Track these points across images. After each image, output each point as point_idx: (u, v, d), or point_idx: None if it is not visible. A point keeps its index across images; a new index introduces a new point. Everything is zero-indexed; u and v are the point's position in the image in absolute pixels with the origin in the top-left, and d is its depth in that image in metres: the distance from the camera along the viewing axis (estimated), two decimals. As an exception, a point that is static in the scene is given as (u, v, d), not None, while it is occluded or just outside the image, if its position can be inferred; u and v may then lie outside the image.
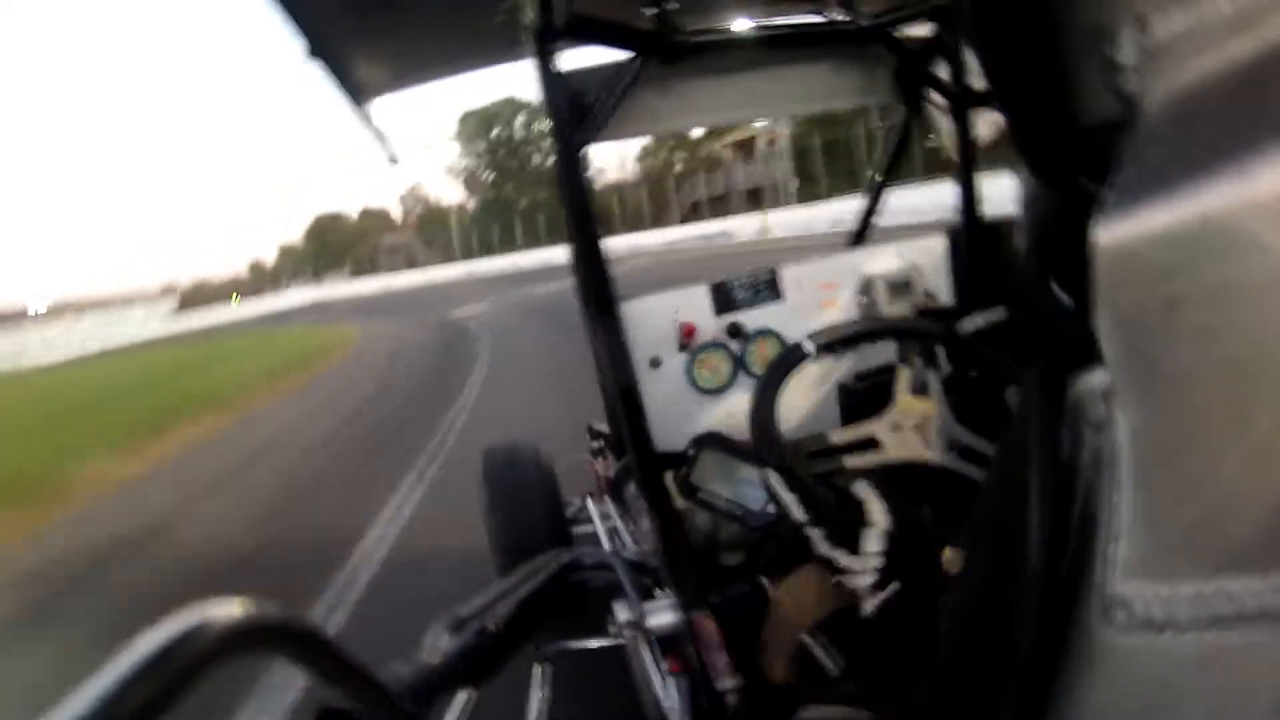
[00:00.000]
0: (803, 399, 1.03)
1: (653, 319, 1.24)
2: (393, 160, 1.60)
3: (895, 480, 0.90)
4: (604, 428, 1.98)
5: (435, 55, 1.41)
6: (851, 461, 0.93)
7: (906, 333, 1.01)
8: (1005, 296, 1.28)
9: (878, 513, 0.78)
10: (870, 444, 0.93)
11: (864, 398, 1.13)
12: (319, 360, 9.64)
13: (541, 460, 1.87)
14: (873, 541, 0.78)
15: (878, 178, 1.54)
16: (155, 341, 23.83)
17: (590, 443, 2.09)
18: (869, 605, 0.75)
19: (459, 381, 5.99)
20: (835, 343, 1.01)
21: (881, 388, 1.01)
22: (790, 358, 1.00)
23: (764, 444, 0.90)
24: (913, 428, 0.92)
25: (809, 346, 0.98)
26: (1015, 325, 1.05)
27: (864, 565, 0.77)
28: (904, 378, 0.96)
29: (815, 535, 0.82)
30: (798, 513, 0.84)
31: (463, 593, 0.82)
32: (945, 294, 1.36)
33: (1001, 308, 0.92)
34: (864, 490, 0.81)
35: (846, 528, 0.79)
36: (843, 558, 0.79)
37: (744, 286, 1.29)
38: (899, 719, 0.67)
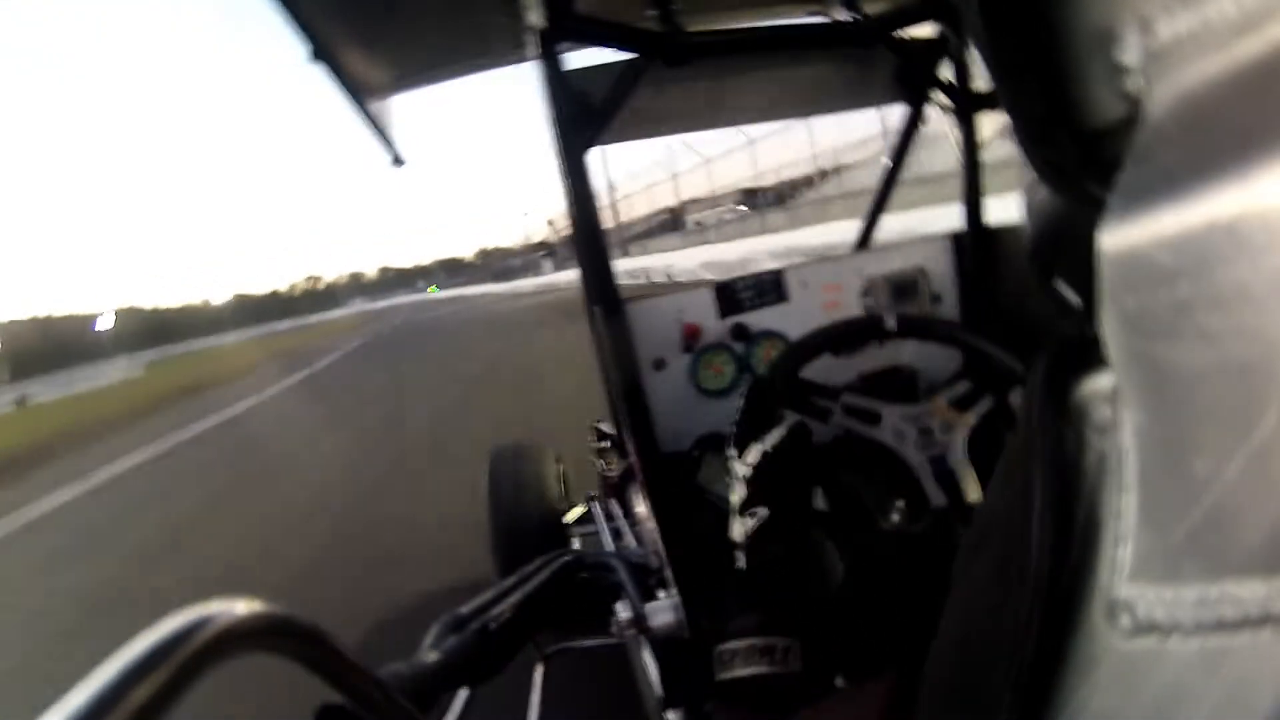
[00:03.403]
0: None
1: (657, 320, 1.24)
2: (397, 161, 1.60)
3: (892, 469, 0.92)
4: (608, 428, 1.99)
5: (439, 57, 1.41)
6: (841, 420, 0.96)
7: (986, 357, 1.01)
8: (1009, 299, 1.27)
9: (771, 435, 0.85)
10: (871, 416, 0.95)
11: (874, 388, 1.13)
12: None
13: (546, 460, 1.87)
14: (753, 454, 0.84)
15: (883, 181, 1.54)
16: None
17: (594, 443, 2.09)
18: (738, 529, 0.82)
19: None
20: (915, 329, 1.05)
21: (882, 392, 1.01)
22: (867, 323, 1.04)
23: (777, 369, 0.97)
24: (918, 427, 0.92)
25: (891, 322, 1.02)
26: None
27: (739, 471, 0.84)
28: (956, 387, 0.97)
29: (732, 435, 0.91)
30: (735, 415, 0.94)
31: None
32: (950, 297, 1.35)
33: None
34: (787, 420, 0.87)
35: (750, 439, 0.87)
36: (734, 459, 0.87)
37: (749, 288, 1.29)
38: (805, 643, 0.73)
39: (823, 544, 0.83)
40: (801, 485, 0.87)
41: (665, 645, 0.94)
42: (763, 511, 0.80)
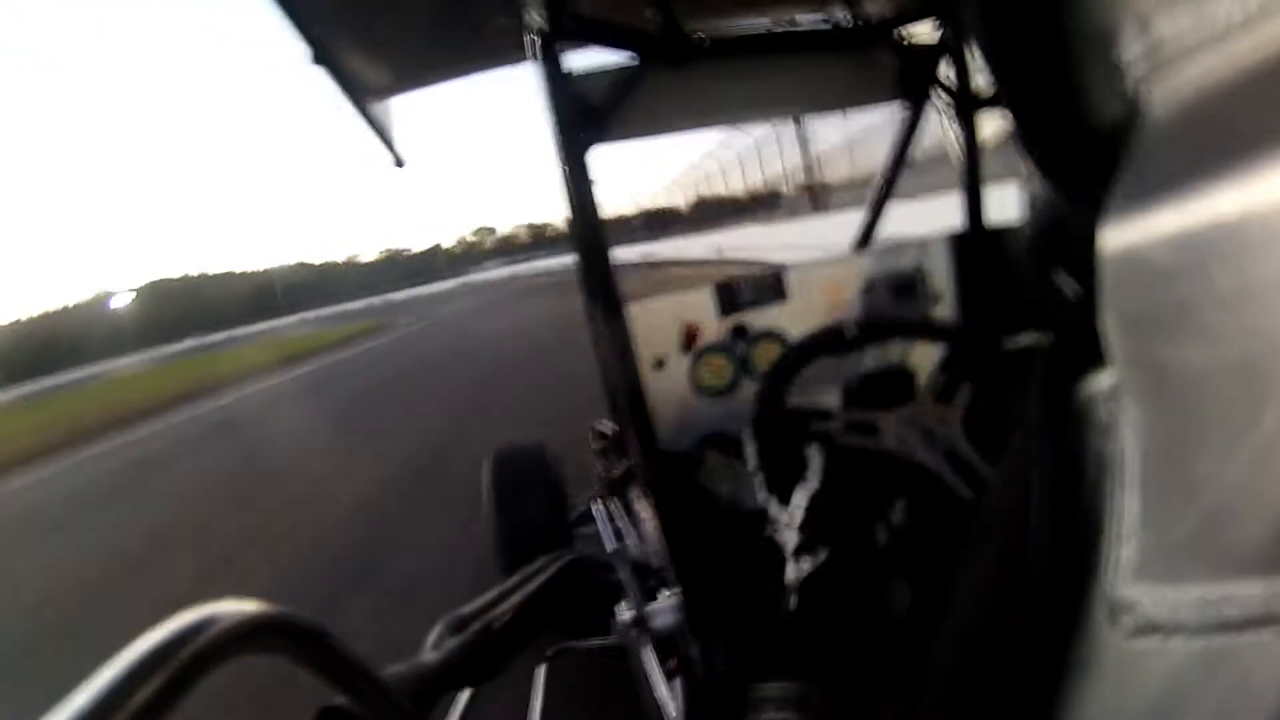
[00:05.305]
0: (807, 393, 1.04)
1: (657, 320, 1.24)
2: (398, 163, 1.60)
3: (896, 476, 0.91)
4: (608, 428, 1.98)
5: (440, 58, 1.41)
6: (846, 440, 0.94)
7: (958, 339, 0.99)
8: (1009, 299, 1.27)
9: (813, 472, 0.80)
10: (869, 429, 0.94)
11: (866, 396, 1.13)
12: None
13: (548, 461, 1.87)
14: (799, 496, 0.79)
15: (883, 181, 1.54)
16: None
17: (595, 443, 2.09)
18: (792, 571, 0.76)
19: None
20: (876, 333, 1.02)
21: (883, 390, 1.01)
22: (830, 336, 0.99)
23: (763, 400, 0.92)
24: (918, 428, 0.92)
25: (851, 331, 0.98)
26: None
27: (789, 518, 0.79)
28: (933, 380, 0.96)
29: (758, 481, 0.86)
30: (751, 459, 0.88)
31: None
32: (949, 296, 1.35)
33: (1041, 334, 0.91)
34: (812, 452, 0.83)
35: (785, 480, 0.82)
36: (773, 506, 0.82)
37: (749, 288, 1.29)
38: (842, 692, 0.68)
39: (889, 582, 0.76)
40: (860, 520, 0.79)
41: (696, 685, 0.92)
42: (822, 553, 0.74)
